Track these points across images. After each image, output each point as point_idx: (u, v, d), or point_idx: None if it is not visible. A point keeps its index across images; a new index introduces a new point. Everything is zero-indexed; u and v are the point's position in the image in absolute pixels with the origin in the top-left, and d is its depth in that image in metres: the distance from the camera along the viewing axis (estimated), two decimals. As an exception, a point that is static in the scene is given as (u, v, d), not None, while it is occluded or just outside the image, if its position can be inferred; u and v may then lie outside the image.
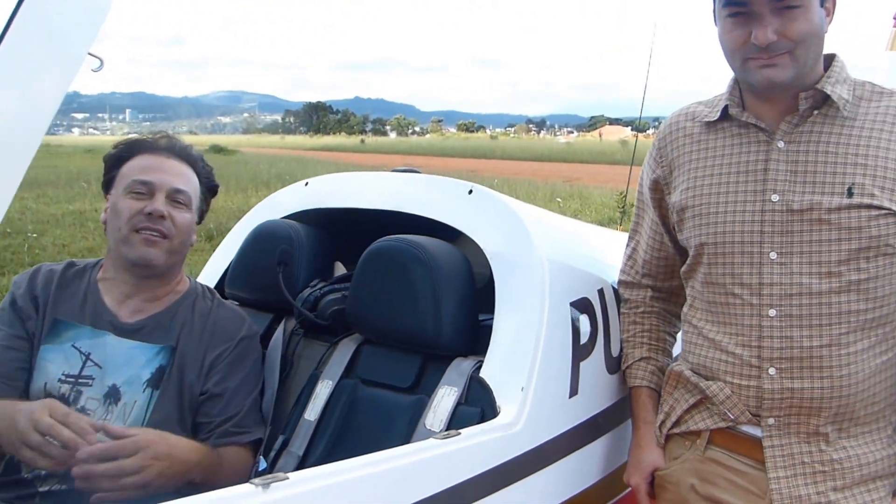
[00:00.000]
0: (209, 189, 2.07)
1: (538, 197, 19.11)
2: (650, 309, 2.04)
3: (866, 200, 1.62)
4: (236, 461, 1.92)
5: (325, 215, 2.37)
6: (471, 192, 2.11)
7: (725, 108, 1.77)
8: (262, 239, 2.32)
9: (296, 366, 2.23)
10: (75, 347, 1.90)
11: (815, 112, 1.69)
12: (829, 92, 1.66)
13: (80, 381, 1.87)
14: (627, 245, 2.09)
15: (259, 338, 2.13)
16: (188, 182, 2.00)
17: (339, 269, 2.45)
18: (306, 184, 2.51)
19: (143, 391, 1.89)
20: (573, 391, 1.93)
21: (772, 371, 1.69)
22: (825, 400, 1.67)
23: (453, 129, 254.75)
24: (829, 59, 1.72)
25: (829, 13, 1.67)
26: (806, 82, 1.67)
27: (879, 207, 1.61)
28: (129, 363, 1.90)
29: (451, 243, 2.06)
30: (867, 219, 1.62)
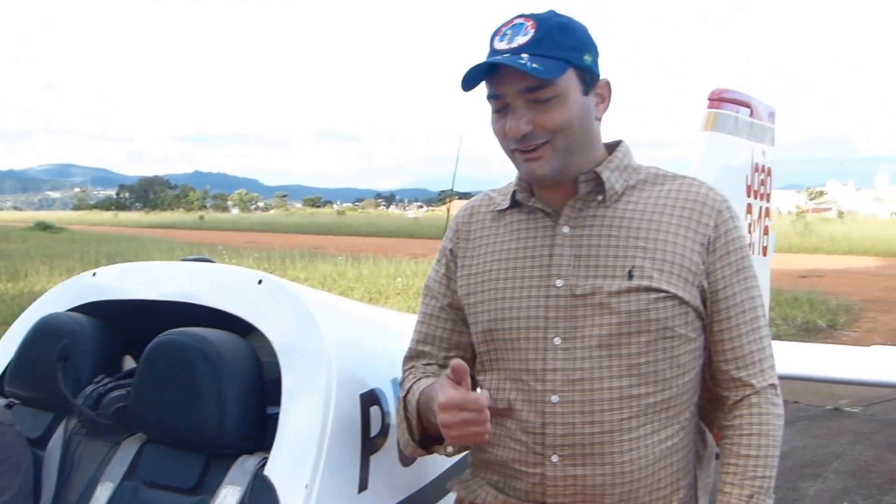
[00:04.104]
0: None
1: (381, 275, 18.97)
2: (424, 370, 1.90)
3: (644, 283, 1.64)
4: None
5: (114, 307, 2.27)
6: (260, 281, 2.07)
7: (514, 193, 1.80)
8: (44, 333, 2.19)
9: (76, 468, 2.08)
10: None
11: (599, 196, 1.72)
12: (604, 178, 1.70)
13: None
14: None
15: (17, 430, 1.99)
16: None
17: (130, 364, 2.34)
18: (94, 274, 2.40)
19: None
20: (362, 486, 1.89)
21: (554, 458, 1.68)
22: (607, 487, 1.67)
23: (299, 205, 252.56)
24: (616, 146, 1.77)
25: (604, 99, 1.71)
26: (582, 168, 1.70)
27: (658, 290, 1.64)
28: None
29: (245, 334, 2.01)
30: (646, 302, 1.64)
